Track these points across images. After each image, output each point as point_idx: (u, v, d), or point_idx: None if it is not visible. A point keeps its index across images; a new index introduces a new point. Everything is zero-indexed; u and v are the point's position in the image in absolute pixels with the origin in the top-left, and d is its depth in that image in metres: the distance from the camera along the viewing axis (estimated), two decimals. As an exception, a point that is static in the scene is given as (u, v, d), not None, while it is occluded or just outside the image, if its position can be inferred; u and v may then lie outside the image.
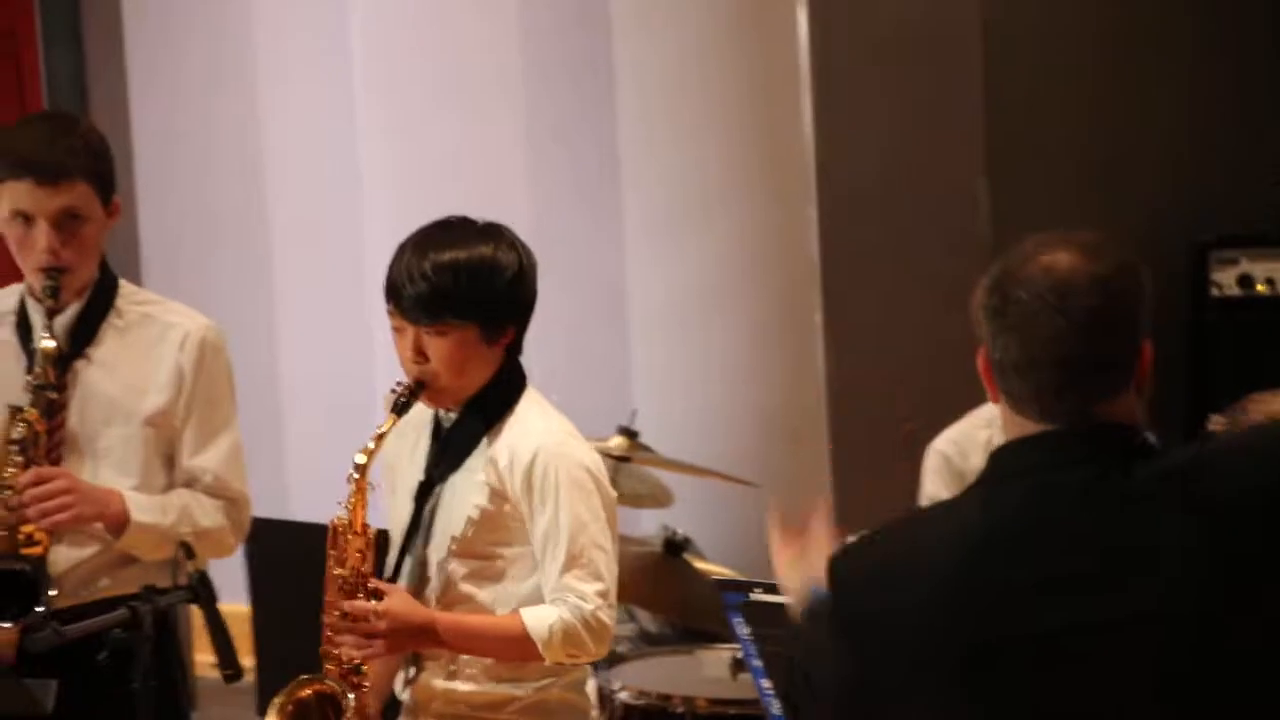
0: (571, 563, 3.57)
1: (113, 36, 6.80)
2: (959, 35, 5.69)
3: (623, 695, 4.49)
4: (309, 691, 3.59)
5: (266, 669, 4.91)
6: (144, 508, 3.81)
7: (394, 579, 3.66)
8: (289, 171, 6.69)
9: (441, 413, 3.71)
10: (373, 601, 3.58)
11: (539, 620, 3.57)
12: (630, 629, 5.62)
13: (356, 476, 3.60)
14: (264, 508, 4.56)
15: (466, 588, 3.65)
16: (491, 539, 3.63)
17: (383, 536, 3.73)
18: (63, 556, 3.80)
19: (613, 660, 4.82)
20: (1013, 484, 2.51)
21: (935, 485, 4.20)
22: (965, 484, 4.02)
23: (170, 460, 3.91)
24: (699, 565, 4.65)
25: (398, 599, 3.59)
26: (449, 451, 3.68)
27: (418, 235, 3.65)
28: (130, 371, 3.88)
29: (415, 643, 3.63)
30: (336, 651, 3.61)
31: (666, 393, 5.91)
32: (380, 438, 3.60)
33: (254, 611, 5.21)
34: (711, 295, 5.96)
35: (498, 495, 3.62)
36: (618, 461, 4.62)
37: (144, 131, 6.80)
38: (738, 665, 4.23)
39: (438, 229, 3.66)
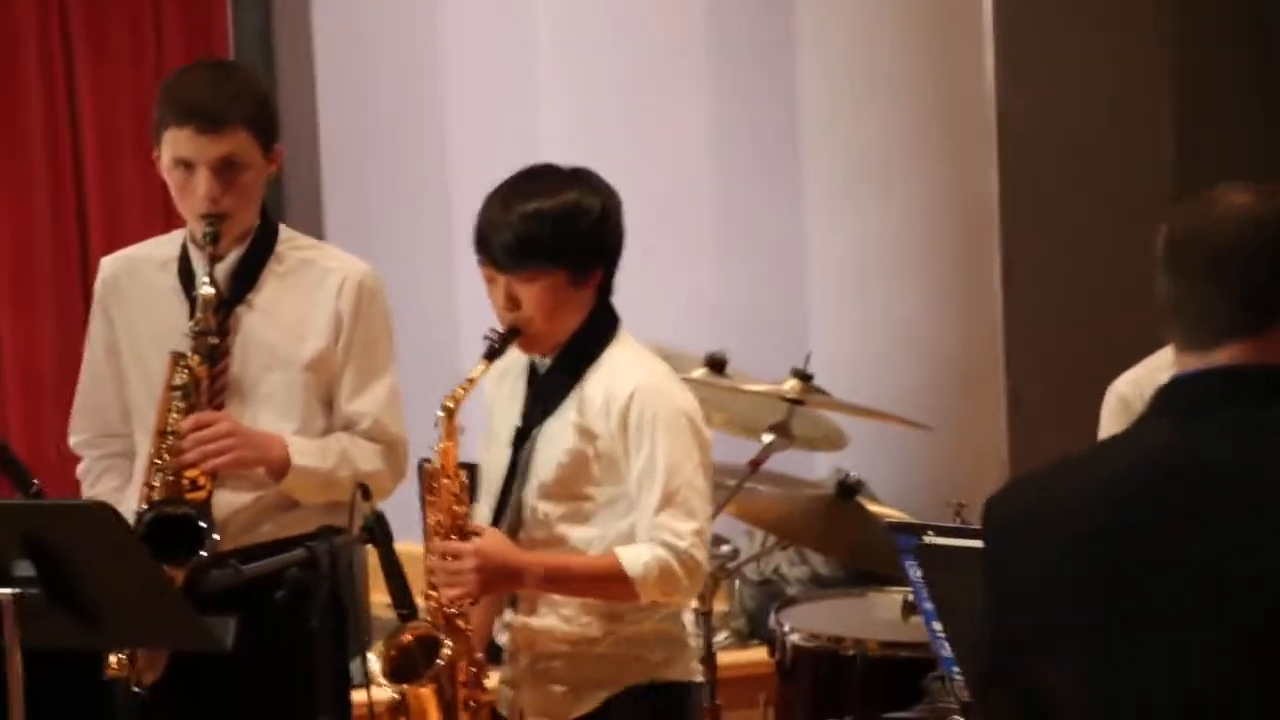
0: (667, 502, 3.57)
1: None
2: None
3: (794, 637, 4.49)
4: (410, 637, 3.60)
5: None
6: (304, 451, 3.84)
7: (494, 523, 3.67)
8: (471, 134, 6.72)
9: (537, 359, 3.73)
10: (467, 541, 3.60)
11: (634, 559, 3.58)
12: (802, 571, 5.63)
13: (445, 419, 3.63)
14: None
15: (561, 529, 3.66)
16: (584, 480, 3.65)
17: (471, 471, 3.76)
18: (225, 501, 3.83)
19: (784, 602, 4.83)
20: (1166, 421, 2.47)
21: (1112, 428, 4.15)
22: (1140, 427, 4.03)
23: (329, 404, 3.93)
24: (871, 508, 4.63)
25: (491, 539, 3.61)
26: (543, 397, 3.70)
27: (503, 185, 3.69)
28: (290, 317, 3.91)
29: (508, 584, 3.64)
30: (436, 595, 3.63)
31: (842, 339, 5.90)
32: (470, 382, 3.63)
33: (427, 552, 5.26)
34: (890, 255, 5.94)
35: (589, 436, 3.63)
36: (792, 404, 4.61)
37: (328, 87, 6.86)
38: (909, 608, 4.21)
39: (523, 178, 3.70)
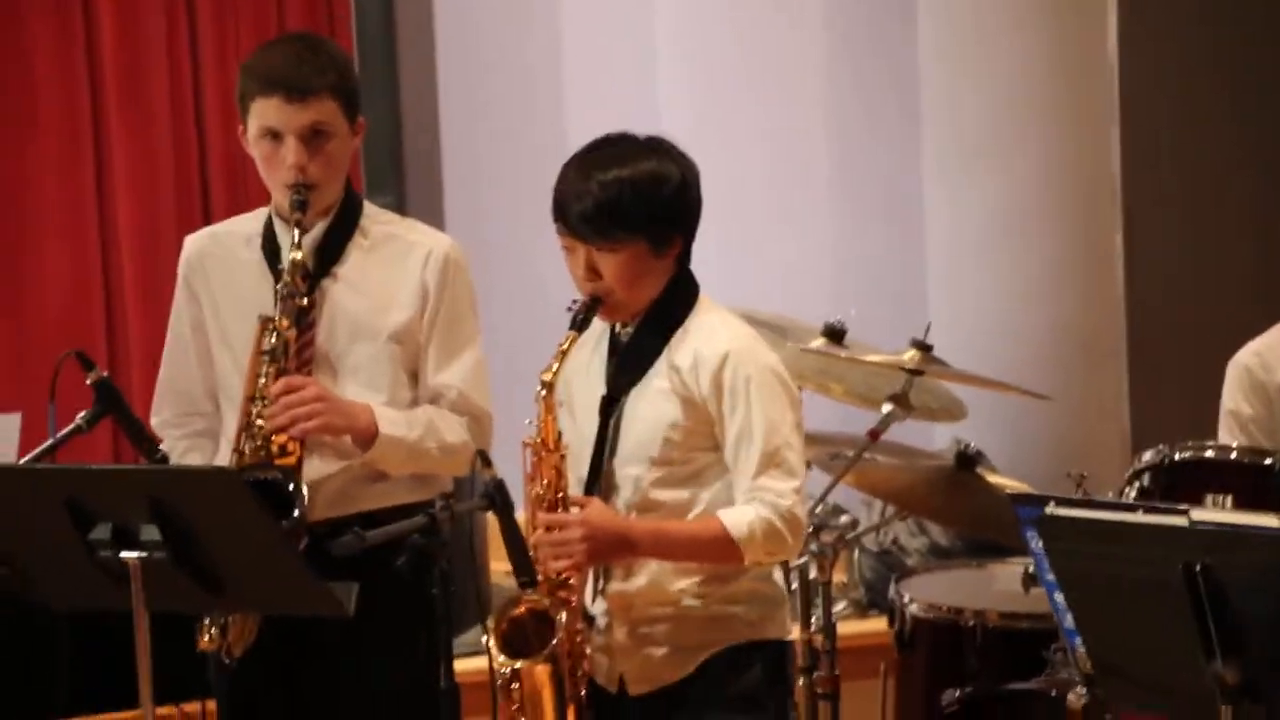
0: (766, 463, 3.57)
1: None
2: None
3: (913, 608, 4.48)
4: (523, 609, 3.59)
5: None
6: (392, 421, 3.83)
7: (586, 492, 3.66)
8: (589, 104, 6.72)
9: (617, 327, 3.72)
10: (573, 511, 3.60)
11: (738, 521, 3.57)
12: (921, 542, 5.61)
13: (544, 394, 3.62)
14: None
15: (654, 495, 3.65)
16: (675, 445, 3.64)
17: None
18: (313, 469, 3.83)
19: (903, 573, 4.82)
20: None
21: (1236, 399, 4.10)
22: (1267, 398, 3.99)
23: (415, 377, 3.93)
24: (991, 479, 4.61)
25: (596, 508, 3.61)
26: (629, 364, 3.68)
27: (581, 154, 3.67)
28: (375, 289, 3.91)
29: (615, 552, 3.63)
30: (543, 568, 3.60)
31: (962, 308, 5.87)
32: (563, 354, 3.62)
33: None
34: (1010, 220, 5.90)
35: (686, 402, 3.62)
36: (911, 375, 4.59)
37: (449, 66, 6.88)
38: (1030, 579, 4.19)
39: (600, 146, 3.68)
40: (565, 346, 3.63)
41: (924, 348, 4.59)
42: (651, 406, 3.66)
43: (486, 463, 3.54)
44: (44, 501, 3.40)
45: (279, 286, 3.82)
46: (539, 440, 3.64)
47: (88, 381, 3.85)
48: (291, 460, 3.80)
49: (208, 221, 5.86)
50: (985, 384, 4.79)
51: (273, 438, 3.78)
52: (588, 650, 3.67)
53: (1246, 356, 4.12)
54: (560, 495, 3.63)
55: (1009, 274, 5.92)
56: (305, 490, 3.77)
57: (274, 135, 3.83)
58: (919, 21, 6.05)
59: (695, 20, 6.43)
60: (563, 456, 3.63)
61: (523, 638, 3.60)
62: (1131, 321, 5.63)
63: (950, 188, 6.03)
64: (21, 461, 4.12)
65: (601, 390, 3.71)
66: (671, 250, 3.67)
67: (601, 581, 3.70)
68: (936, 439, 5.54)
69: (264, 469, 3.76)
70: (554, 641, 3.56)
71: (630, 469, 3.67)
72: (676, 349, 3.66)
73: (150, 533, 3.35)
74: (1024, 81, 5.85)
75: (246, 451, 3.79)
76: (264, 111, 3.84)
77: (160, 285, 5.82)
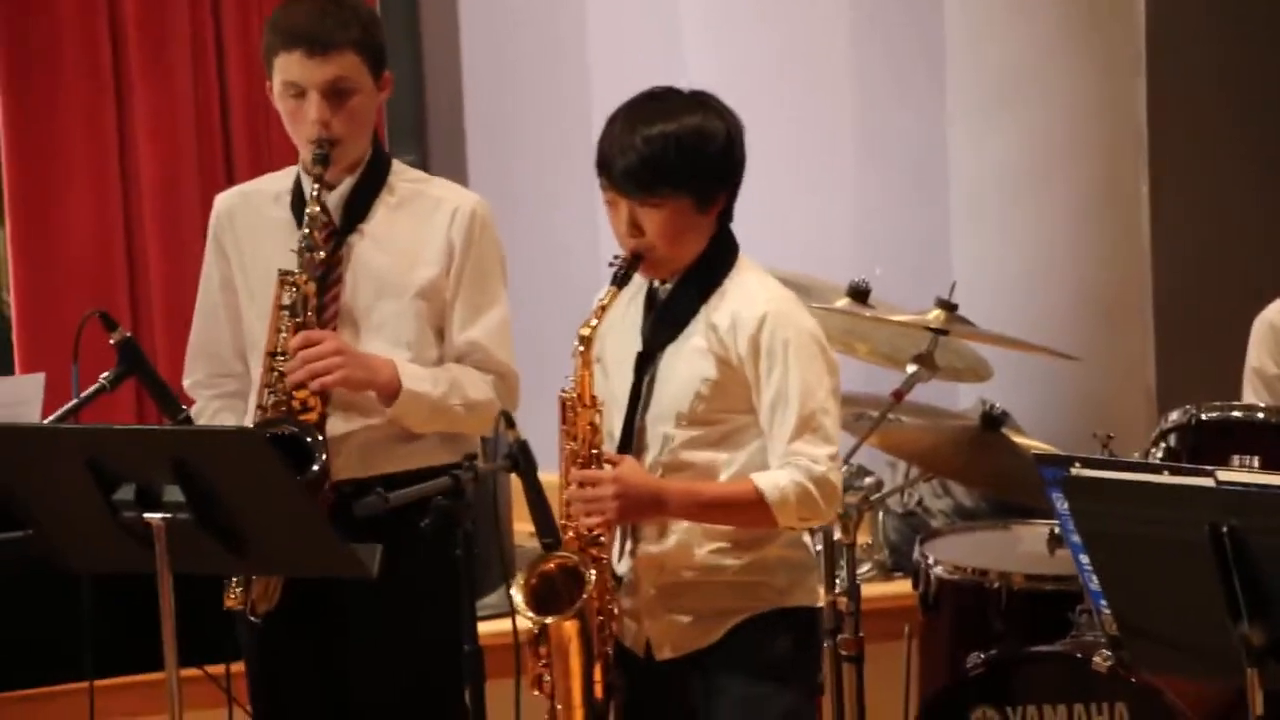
0: (802, 427, 3.55)
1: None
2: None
3: (938, 570, 4.48)
4: (553, 565, 3.58)
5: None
6: (416, 376, 3.83)
7: (619, 449, 3.65)
8: (614, 66, 6.69)
9: (656, 283, 3.70)
10: (605, 469, 3.58)
11: (772, 484, 3.56)
12: (946, 504, 5.59)
13: (582, 349, 3.59)
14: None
15: (688, 454, 3.63)
16: (711, 405, 3.62)
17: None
18: (335, 426, 3.82)
19: (928, 535, 4.81)
20: None
21: (1260, 357, 4.09)
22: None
23: (442, 335, 3.92)
24: (1017, 440, 4.59)
25: (629, 466, 3.59)
26: (666, 321, 3.66)
27: (626, 107, 3.64)
28: (402, 245, 3.90)
29: (646, 511, 3.62)
30: (574, 525, 3.60)
31: (986, 267, 5.85)
32: (603, 309, 3.60)
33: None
34: (1035, 170, 5.87)
35: (722, 362, 3.61)
36: (936, 334, 4.57)
37: (472, 25, 6.85)
38: (1055, 541, 4.18)
39: (646, 100, 3.65)
40: (605, 301, 3.61)
41: (949, 307, 4.57)
42: (687, 365, 3.64)
43: (510, 424, 3.53)
44: (66, 462, 3.41)
45: (298, 240, 3.81)
46: (575, 395, 3.62)
47: (111, 341, 3.85)
48: (313, 417, 3.80)
49: (230, 175, 5.87)
50: (1011, 344, 4.76)
51: (294, 393, 3.78)
52: (615, 610, 3.66)
53: (1272, 313, 4.10)
54: (594, 452, 3.61)
55: (1034, 232, 5.89)
56: (326, 445, 3.77)
57: (297, 91, 3.83)
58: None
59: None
60: (599, 412, 3.62)
61: (552, 593, 3.59)
62: (1157, 280, 5.60)
63: (974, 145, 5.99)
64: (45, 422, 4.13)
65: (637, 346, 3.69)
66: (715, 207, 3.65)
67: (630, 542, 3.69)
68: (962, 399, 5.51)
69: (280, 424, 3.76)
70: (584, 598, 3.55)
71: (662, 427, 3.65)
72: (715, 308, 3.64)
73: (174, 493, 3.36)
74: (1048, 34, 5.80)
75: (268, 407, 3.80)
76: (286, 66, 3.83)
77: (182, 238, 5.86)
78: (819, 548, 4.30)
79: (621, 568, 3.70)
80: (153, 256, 5.89)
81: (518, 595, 3.56)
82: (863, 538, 5.06)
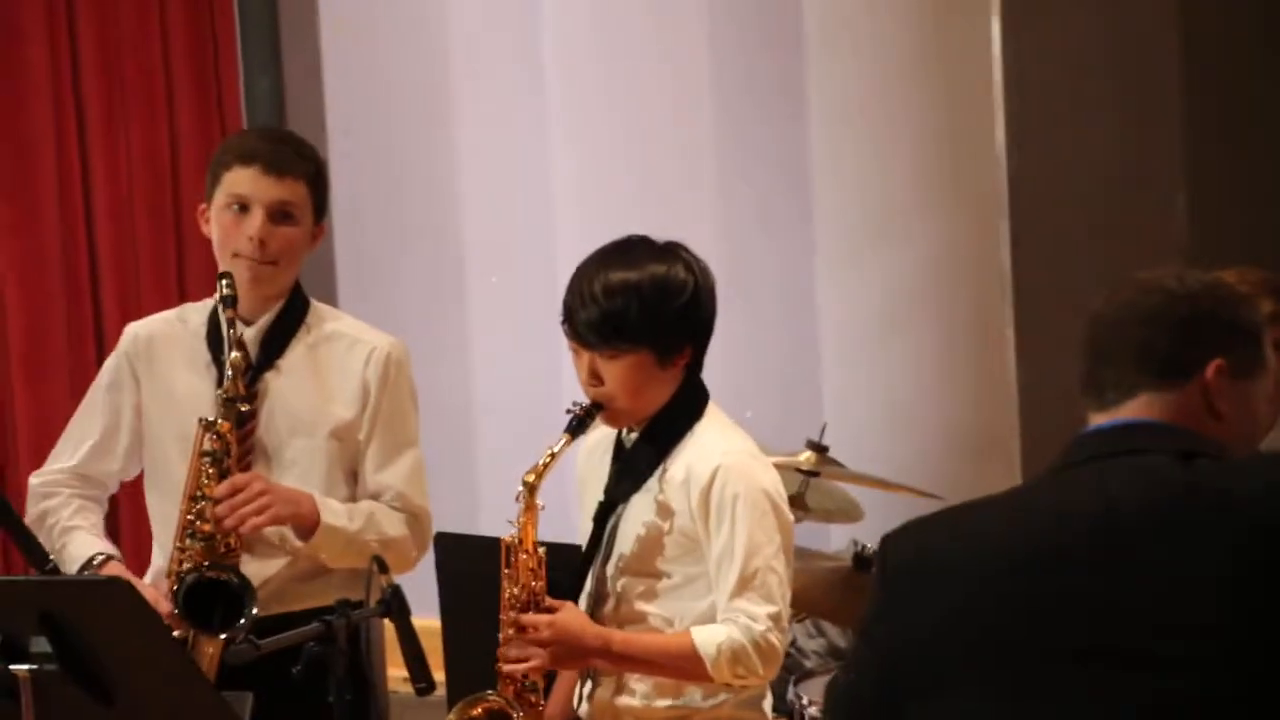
0: (744, 585, 3.53)
1: (311, 58, 6.90)
2: (1156, 45, 5.61)
3: (812, 710, 4.47)
4: (480, 710, 3.58)
5: (457, 683, 4.95)
6: (333, 510, 3.88)
7: (576, 598, 3.65)
8: (481, 192, 6.74)
9: (624, 432, 3.69)
10: (544, 615, 3.58)
11: (708, 639, 3.54)
12: (819, 644, 5.60)
13: (525, 495, 3.59)
14: (455, 523, 4.60)
15: (641, 606, 3.64)
16: (663, 556, 3.61)
17: (575, 551, 3.74)
18: (252, 570, 3.85)
19: (802, 675, 4.81)
20: (1075, 470, 2.54)
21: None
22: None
23: (353, 475, 3.96)
24: (889, 581, 4.61)
25: (568, 613, 3.59)
26: (628, 472, 3.66)
27: (593, 256, 3.63)
28: (317, 385, 3.94)
29: (583, 659, 3.61)
30: (509, 669, 3.60)
31: (856, 408, 5.89)
32: (553, 457, 3.58)
33: (444, 626, 5.25)
34: (902, 310, 5.93)
35: (669, 512, 3.60)
36: (807, 476, 4.60)
37: (339, 150, 6.88)
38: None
39: (613, 250, 3.64)
40: (556, 450, 3.59)
41: (820, 449, 4.61)
42: (644, 516, 3.63)
43: (383, 569, 3.52)
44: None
45: (220, 391, 3.83)
46: (517, 540, 3.61)
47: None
48: (236, 559, 3.83)
49: (96, 315, 5.86)
50: (881, 485, 4.80)
51: (216, 537, 3.81)
52: None
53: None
54: (535, 597, 3.60)
55: (901, 372, 5.94)
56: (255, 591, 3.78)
57: (242, 205, 3.88)
58: (808, 106, 6.07)
59: (585, 105, 6.43)
60: (540, 559, 3.60)
61: None
62: (1024, 418, 5.65)
63: (842, 280, 6.05)
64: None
65: (602, 496, 3.69)
66: (679, 360, 3.62)
67: (589, 686, 3.69)
68: (834, 540, 5.54)
69: (219, 569, 3.79)
70: None
71: (620, 578, 3.65)
72: (673, 461, 3.62)
73: (40, 644, 3.31)
74: (913, 176, 5.89)
75: (189, 549, 3.82)
76: (237, 181, 3.89)
77: (48, 378, 5.83)
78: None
79: (581, 711, 3.71)
80: (20, 402, 5.85)
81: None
82: (736, 679, 5.05)
